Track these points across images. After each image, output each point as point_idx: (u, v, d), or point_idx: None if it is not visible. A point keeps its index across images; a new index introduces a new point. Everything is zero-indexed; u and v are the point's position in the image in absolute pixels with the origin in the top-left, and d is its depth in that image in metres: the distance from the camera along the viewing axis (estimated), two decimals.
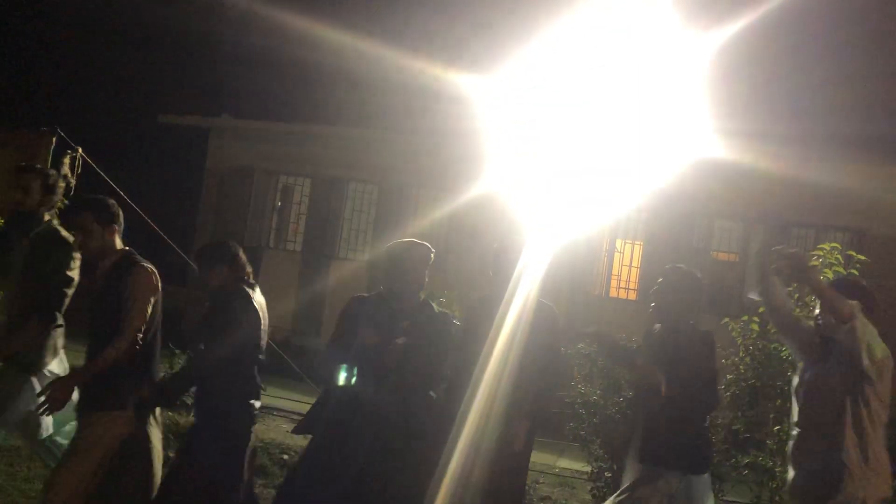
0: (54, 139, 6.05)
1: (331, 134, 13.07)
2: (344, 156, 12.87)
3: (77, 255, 3.94)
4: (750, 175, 9.81)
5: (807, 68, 11.50)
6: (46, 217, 4.05)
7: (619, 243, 12.18)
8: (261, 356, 3.73)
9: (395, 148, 12.37)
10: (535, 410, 3.84)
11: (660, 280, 3.82)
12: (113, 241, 3.59)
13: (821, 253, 4.85)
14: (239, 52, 14.47)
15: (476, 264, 10.15)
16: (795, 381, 3.48)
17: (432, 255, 3.81)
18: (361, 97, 12.08)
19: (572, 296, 11.01)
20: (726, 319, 5.37)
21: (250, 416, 3.67)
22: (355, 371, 3.67)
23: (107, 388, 3.43)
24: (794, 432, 3.40)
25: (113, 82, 16.35)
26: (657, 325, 3.88)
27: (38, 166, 4.14)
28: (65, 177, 5.60)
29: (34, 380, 3.90)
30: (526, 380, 3.76)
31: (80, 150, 5.94)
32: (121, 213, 3.67)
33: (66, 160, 5.73)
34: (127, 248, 3.66)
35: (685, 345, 3.65)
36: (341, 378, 3.68)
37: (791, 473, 3.38)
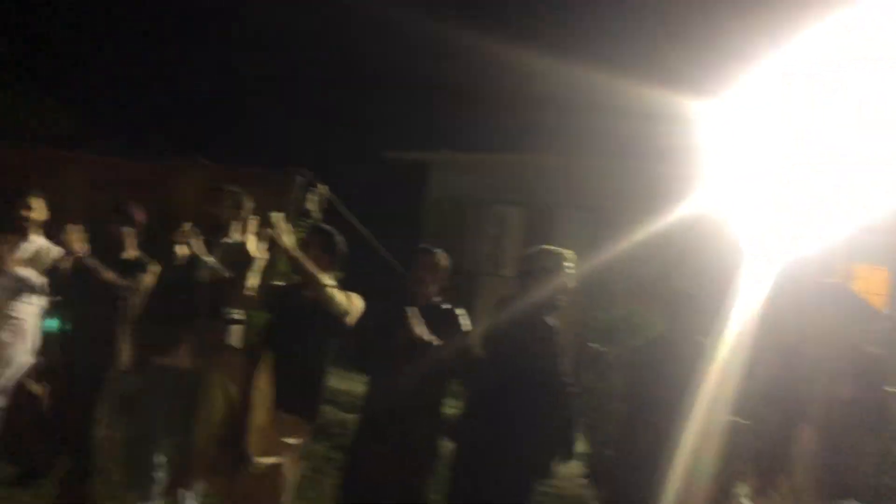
0: (304, 179, 6.61)
1: (542, 162, 13.34)
2: (555, 183, 13.06)
3: (258, 267, 4.14)
4: None
5: None
6: (234, 230, 4.39)
7: (859, 269, 11.08)
8: None
9: (608, 173, 12.33)
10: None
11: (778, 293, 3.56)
12: (321, 271, 3.93)
13: None
14: (455, 87, 15.25)
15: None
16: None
17: (565, 262, 3.69)
18: (572, 124, 12.18)
19: (800, 326, 10.17)
20: None
21: None
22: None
23: None
24: None
25: (346, 122, 18.00)
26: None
27: (229, 187, 4.52)
28: (310, 213, 6.26)
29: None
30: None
31: (326, 188, 6.50)
32: (343, 252, 4.08)
33: (313, 198, 6.35)
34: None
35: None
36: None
37: None
